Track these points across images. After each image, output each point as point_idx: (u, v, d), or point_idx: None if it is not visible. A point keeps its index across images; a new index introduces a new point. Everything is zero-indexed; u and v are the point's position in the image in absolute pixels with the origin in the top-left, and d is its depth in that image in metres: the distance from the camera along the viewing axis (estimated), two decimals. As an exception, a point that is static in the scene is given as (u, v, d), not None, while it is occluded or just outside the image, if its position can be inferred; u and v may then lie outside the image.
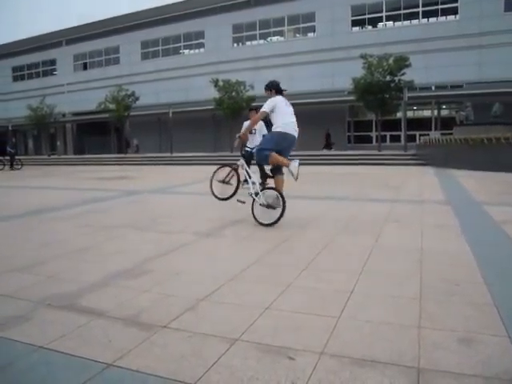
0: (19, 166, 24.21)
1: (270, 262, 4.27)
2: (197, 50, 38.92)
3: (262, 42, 36.12)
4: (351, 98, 28.10)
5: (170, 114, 32.36)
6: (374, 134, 31.66)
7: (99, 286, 3.58)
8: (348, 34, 32.19)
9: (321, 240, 5.08)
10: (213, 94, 30.68)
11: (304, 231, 5.74)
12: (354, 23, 32.75)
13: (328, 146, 30.03)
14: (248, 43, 36.49)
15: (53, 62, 46.24)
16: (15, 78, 49.40)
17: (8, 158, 24.95)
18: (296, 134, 6.01)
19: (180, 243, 5.12)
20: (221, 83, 30.23)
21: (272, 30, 35.23)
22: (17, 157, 26.70)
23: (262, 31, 35.43)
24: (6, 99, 47.90)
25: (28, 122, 40.16)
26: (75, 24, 43.39)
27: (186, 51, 39.51)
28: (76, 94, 43.18)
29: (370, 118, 31.15)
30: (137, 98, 34.62)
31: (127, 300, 3.27)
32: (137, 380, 2.14)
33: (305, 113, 32.34)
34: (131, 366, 2.27)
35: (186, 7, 37.01)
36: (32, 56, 47.10)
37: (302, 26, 34.25)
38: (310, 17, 33.50)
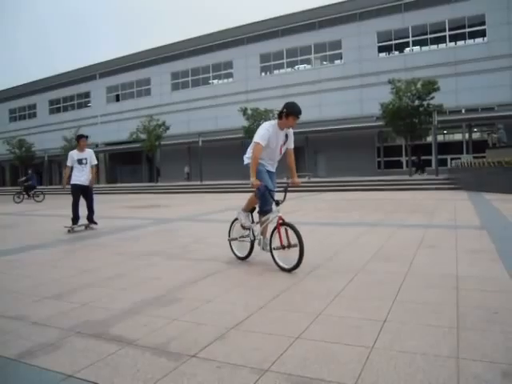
0: (40, 198, 23.99)
1: (301, 289, 4.21)
2: (225, 80, 39.68)
3: (289, 70, 36.55)
4: (380, 123, 27.99)
5: (200, 143, 32.86)
6: (403, 159, 31.31)
7: (129, 314, 3.59)
8: (375, 60, 32.33)
9: (352, 267, 4.99)
10: (242, 122, 31.06)
11: (336, 258, 5.65)
12: (381, 49, 32.88)
13: (420, 168, 28.47)
14: (276, 72, 37.00)
15: (87, 95, 47.88)
16: (51, 111, 51.26)
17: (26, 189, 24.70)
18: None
19: (211, 271, 5.10)
20: (249, 111, 30.61)
21: (299, 58, 35.68)
22: (39, 187, 26.79)
23: (289, 59, 35.91)
24: (42, 131, 49.69)
25: (63, 152, 41.41)
26: (109, 58, 45.01)
27: (215, 81, 40.32)
28: (109, 124, 44.47)
29: (400, 143, 30.88)
30: (167, 128, 35.32)
31: (157, 328, 3.25)
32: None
33: (333, 139, 32.43)
34: (159, 396, 2.24)
35: (214, 39, 37.97)
36: (67, 89, 48.91)
37: (328, 53, 34.59)
38: (336, 44, 33.83)
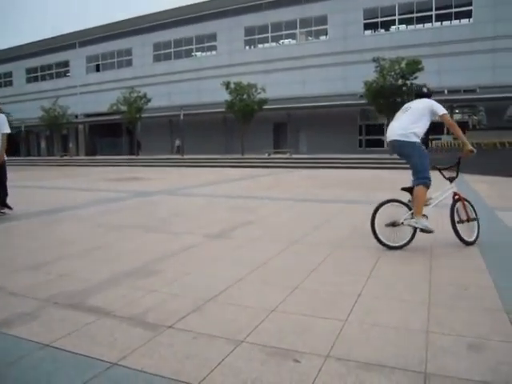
0: None
1: (279, 264, 4.26)
2: (209, 53, 39.08)
3: (274, 44, 36.15)
4: (363, 101, 28.02)
5: (182, 116, 32.49)
6: (385, 138, 31.49)
7: (107, 285, 3.60)
8: (360, 38, 32.10)
9: (330, 241, 5.06)
10: (225, 96, 30.76)
11: (315, 232, 5.72)
12: (367, 26, 32.66)
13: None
14: (260, 46, 36.53)
15: (66, 64, 46.68)
16: (29, 80, 49.95)
17: None
18: (395, 137, 4.96)
19: (189, 244, 5.13)
20: (232, 86, 30.29)
21: (284, 32, 35.24)
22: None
23: (274, 34, 35.46)
24: (19, 100, 48.40)
25: (41, 122, 40.59)
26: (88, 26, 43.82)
27: (198, 53, 39.69)
28: (88, 95, 43.54)
29: (382, 122, 30.99)
30: (148, 100, 34.80)
31: (134, 299, 3.28)
32: (141, 379, 2.14)
33: (316, 116, 32.38)
34: (136, 365, 2.27)
35: (198, 10, 37.19)
36: (45, 58, 47.59)
37: (314, 28, 34.22)
38: (322, 20, 33.47)
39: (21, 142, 46.91)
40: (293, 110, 32.62)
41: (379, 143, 31.54)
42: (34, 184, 14.85)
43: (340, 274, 3.85)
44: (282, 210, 7.95)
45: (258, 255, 4.56)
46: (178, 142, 36.12)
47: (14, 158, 38.75)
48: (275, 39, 36.15)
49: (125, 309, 3.09)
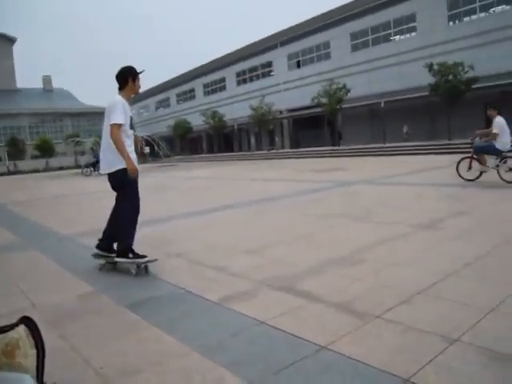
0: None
1: (494, 259, 3.90)
2: (408, 35, 37.26)
3: (483, 15, 32.49)
4: None
5: (382, 104, 31.71)
6: None
7: (316, 272, 3.81)
8: None
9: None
10: (427, 79, 28.98)
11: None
12: None
13: None
14: (466, 19, 33.27)
15: (269, 64, 49.75)
16: (238, 83, 54.72)
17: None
18: None
19: (396, 234, 5.05)
20: (436, 67, 28.35)
21: None
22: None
23: (482, 3, 31.93)
24: (231, 102, 53.53)
25: (250, 120, 44.25)
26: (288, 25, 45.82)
27: (397, 37, 38.17)
28: (291, 91, 45.66)
29: None
30: (348, 90, 34.86)
31: (341, 287, 3.40)
32: (350, 366, 2.20)
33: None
34: (343, 351, 2.35)
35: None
36: (252, 61, 51.57)
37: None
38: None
39: (234, 139, 51.93)
40: (509, 86, 28.95)
41: None
42: (242, 176, 16.23)
43: None
44: (499, 200, 7.23)
45: (471, 248, 4.24)
46: (405, 129, 34.41)
47: (228, 153, 43.14)
48: (484, 8, 32.46)
49: (332, 295, 3.22)
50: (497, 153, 9.06)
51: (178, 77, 63.08)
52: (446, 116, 28.58)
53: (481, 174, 9.42)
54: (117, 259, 4.23)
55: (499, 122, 9.10)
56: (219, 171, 21.34)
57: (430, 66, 28.52)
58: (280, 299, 3.23)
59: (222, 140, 54.06)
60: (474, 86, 27.55)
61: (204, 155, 50.55)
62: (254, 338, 2.59)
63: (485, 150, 9.29)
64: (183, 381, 2.18)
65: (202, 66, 58.54)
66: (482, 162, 9.36)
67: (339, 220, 6.27)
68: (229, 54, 53.82)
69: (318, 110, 37.11)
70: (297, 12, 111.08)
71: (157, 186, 14.68)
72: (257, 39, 49.52)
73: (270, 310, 3.02)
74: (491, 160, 9.21)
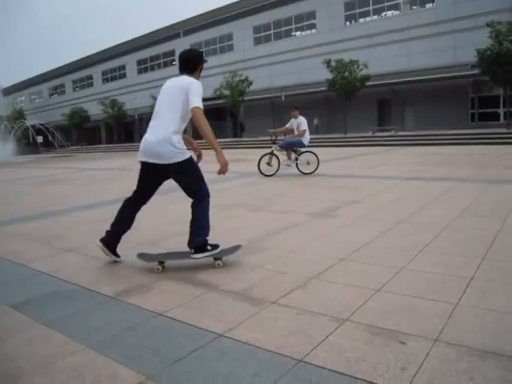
0: None
1: (383, 244, 4.18)
2: (308, 31, 38.55)
3: (375, 17, 34.64)
4: (475, 71, 25.90)
5: (283, 98, 32.58)
6: (501, 111, 28.94)
7: (211, 260, 3.78)
8: (471, 1, 29.40)
9: (440, 222, 4.85)
10: (326, 75, 30.24)
11: (422, 212, 5.51)
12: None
13: None
14: (361, 20, 35.22)
15: (172, 54, 48.83)
16: (139, 71, 53.09)
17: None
18: None
19: (293, 223, 5.21)
20: (333, 63, 29.68)
21: (386, 4, 33.61)
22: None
23: (375, 6, 33.96)
24: (132, 91, 51.78)
25: (151, 110, 43.19)
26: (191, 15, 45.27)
27: (298, 33, 39.33)
28: (194, 82, 45.31)
29: (497, 94, 28.48)
30: (250, 83, 35.33)
31: (240, 275, 3.43)
32: (246, 351, 2.24)
33: (422, 90, 30.59)
34: (241, 337, 2.38)
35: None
36: (154, 49, 50.23)
37: (419, -4, 32.21)
38: (428, -14, 31.38)
39: (135, 129, 50.33)
40: (397, 85, 31.11)
41: (494, 116, 29.13)
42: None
43: (451, 255, 3.69)
44: (387, 189, 7.73)
45: (363, 234, 4.50)
46: (316, 121, 35.17)
47: (129, 143, 41.69)
48: (377, 12, 34.59)
49: (231, 284, 3.25)
50: (302, 147, 10.83)
51: (73, 62, 59.59)
52: (343, 110, 30.04)
53: (278, 168, 10.85)
54: (197, 256, 3.71)
55: (305, 120, 10.91)
56: (118, 163, 20.60)
57: (328, 63, 29.81)
58: (178, 290, 3.19)
59: (123, 130, 52.22)
60: (367, 84, 29.25)
61: (103, 145, 48.45)
62: (151, 331, 2.52)
63: (293, 145, 10.91)
64: (74, 380, 2.05)
65: (99, 53, 55.86)
66: (289, 157, 10.93)
67: (240, 210, 6.35)
68: (129, 41, 51.89)
69: (221, 101, 37.17)
70: (200, 1, 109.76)
71: (50, 179, 13.82)
72: (159, 27, 48.25)
73: (167, 301, 2.96)
74: (293, 155, 10.88)
